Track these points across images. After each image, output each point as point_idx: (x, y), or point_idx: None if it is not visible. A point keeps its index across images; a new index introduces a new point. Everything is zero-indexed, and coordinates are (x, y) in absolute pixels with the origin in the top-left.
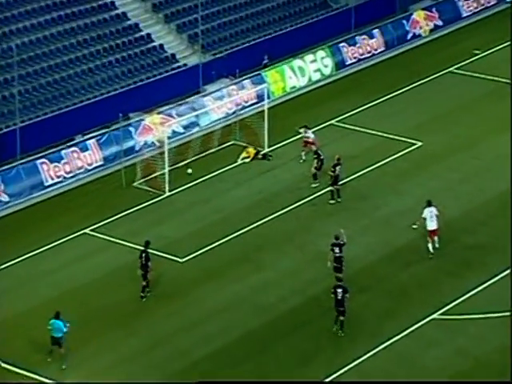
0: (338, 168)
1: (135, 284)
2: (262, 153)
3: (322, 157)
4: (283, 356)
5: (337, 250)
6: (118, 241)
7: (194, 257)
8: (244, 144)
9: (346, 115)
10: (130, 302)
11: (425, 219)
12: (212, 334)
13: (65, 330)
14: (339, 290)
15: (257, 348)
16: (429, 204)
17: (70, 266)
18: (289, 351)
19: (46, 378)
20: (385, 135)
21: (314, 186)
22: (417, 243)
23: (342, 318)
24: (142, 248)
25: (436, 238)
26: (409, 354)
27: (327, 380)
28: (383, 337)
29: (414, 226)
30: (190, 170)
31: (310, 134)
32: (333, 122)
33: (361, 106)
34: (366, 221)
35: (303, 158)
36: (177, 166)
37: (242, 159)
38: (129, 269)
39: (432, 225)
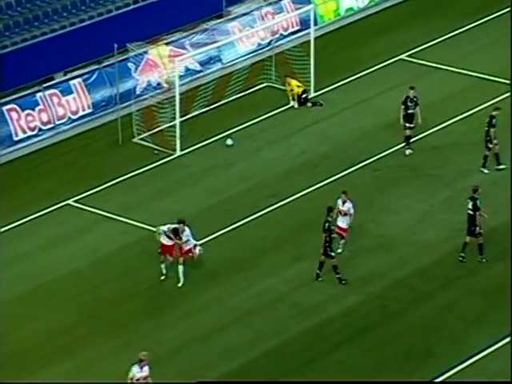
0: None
1: (130, 277)
2: (309, 98)
3: (411, 110)
4: (334, 374)
5: (470, 204)
6: (110, 215)
7: (212, 239)
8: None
9: (422, 47)
10: (125, 302)
11: None
12: (236, 345)
13: None
14: None
15: (297, 363)
16: None
17: (47, 248)
18: (342, 368)
19: None
20: (476, 75)
21: (408, 152)
22: None
23: None
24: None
25: None
26: (504, 376)
27: None
28: (470, 351)
29: None
30: (229, 141)
31: (186, 234)
32: (403, 56)
33: (443, 35)
34: (448, 192)
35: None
36: (191, 115)
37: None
38: (123, 256)
39: None
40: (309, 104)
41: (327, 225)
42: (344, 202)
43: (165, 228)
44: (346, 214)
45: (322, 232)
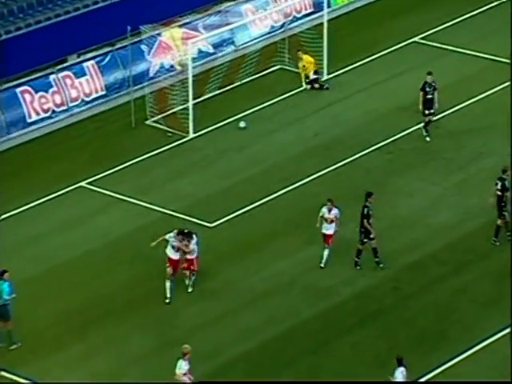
0: None
1: (145, 260)
2: (320, 80)
3: (429, 96)
4: (347, 357)
5: (499, 185)
6: (123, 198)
7: (225, 221)
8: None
9: (436, 30)
10: (138, 284)
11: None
12: (248, 328)
13: (6, 296)
14: None
15: (310, 346)
16: None
17: (59, 231)
18: (355, 351)
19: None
20: (489, 57)
21: (428, 139)
22: None
23: None
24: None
25: None
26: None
27: None
28: (483, 334)
29: None
30: (242, 124)
31: (194, 242)
32: (416, 39)
33: (456, 18)
34: (461, 175)
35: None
36: (204, 98)
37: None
38: (137, 239)
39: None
40: (316, 85)
41: (366, 210)
42: (330, 210)
43: (171, 234)
44: (332, 221)
45: (360, 218)
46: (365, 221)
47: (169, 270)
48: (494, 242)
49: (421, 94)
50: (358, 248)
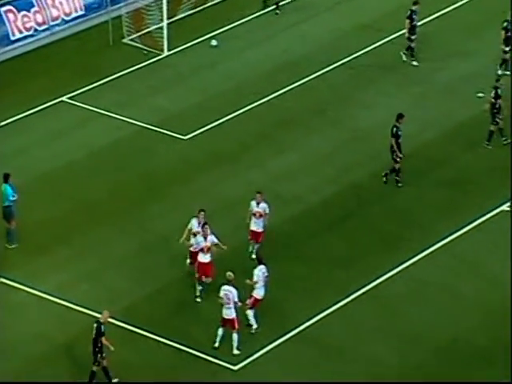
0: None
1: (126, 170)
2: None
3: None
4: (314, 259)
5: (492, 93)
6: (103, 112)
7: (199, 134)
8: None
9: None
10: (117, 192)
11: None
12: (221, 234)
13: (11, 198)
14: None
15: (278, 250)
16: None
17: (43, 143)
18: (320, 254)
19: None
20: None
21: (415, 64)
22: (484, 116)
23: None
24: None
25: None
26: (470, 256)
27: (365, 289)
28: (439, 235)
29: (480, 95)
30: (214, 42)
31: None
32: None
33: None
34: (420, 88)
35: None
36: (178, 17)
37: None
38: (116, 150)
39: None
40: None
41: (395, 130)
42: (258, 203)
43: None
44: (261, 216)
45: (390, 136)
46: (393, 140)
47: (197, 277)
48: (487, 146)
49: (407, 21)
50: (393, 167)
